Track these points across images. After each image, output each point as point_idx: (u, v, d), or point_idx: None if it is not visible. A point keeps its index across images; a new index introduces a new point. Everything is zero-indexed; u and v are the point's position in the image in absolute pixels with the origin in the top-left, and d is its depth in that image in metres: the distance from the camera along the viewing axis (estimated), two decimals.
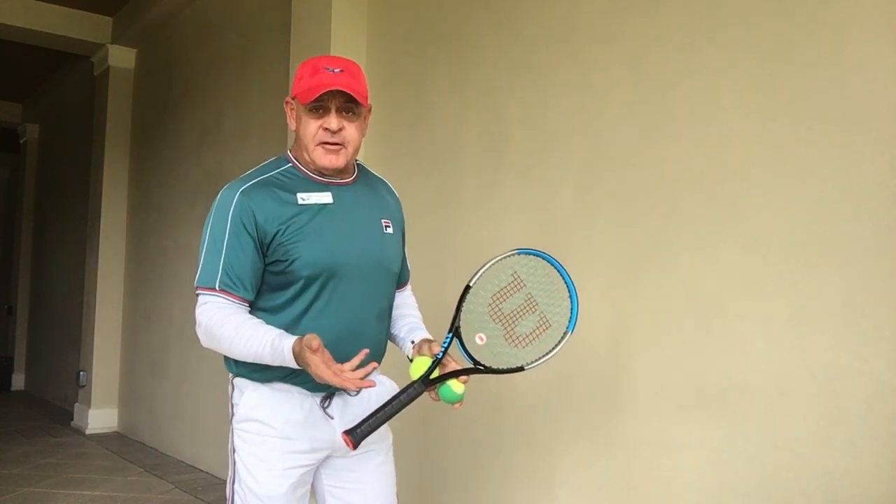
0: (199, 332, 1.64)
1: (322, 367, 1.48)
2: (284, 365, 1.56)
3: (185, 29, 5.66)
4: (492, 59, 2.95)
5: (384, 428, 1.84)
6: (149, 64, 6.42)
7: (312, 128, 1.65)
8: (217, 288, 1.61)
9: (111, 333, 6.52)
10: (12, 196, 10.72)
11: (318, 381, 1.51)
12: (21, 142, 9.73)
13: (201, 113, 5.32)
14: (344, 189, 1.73)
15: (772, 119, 2.02)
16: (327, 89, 1.60)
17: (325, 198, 1.69)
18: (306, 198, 1.66)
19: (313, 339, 1.47)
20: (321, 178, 1.71)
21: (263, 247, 1.63)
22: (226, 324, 1.59)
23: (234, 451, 1.74)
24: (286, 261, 1.62)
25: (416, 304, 1.97)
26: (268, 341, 1.55)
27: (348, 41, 3.53)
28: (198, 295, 1.64)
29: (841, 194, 1.87)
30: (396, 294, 1.88)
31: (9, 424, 6.72)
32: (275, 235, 1.62)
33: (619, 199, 2.43)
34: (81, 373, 6.57)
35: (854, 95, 1.86)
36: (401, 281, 1.90)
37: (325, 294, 1.65)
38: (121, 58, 6.59)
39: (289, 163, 1.74)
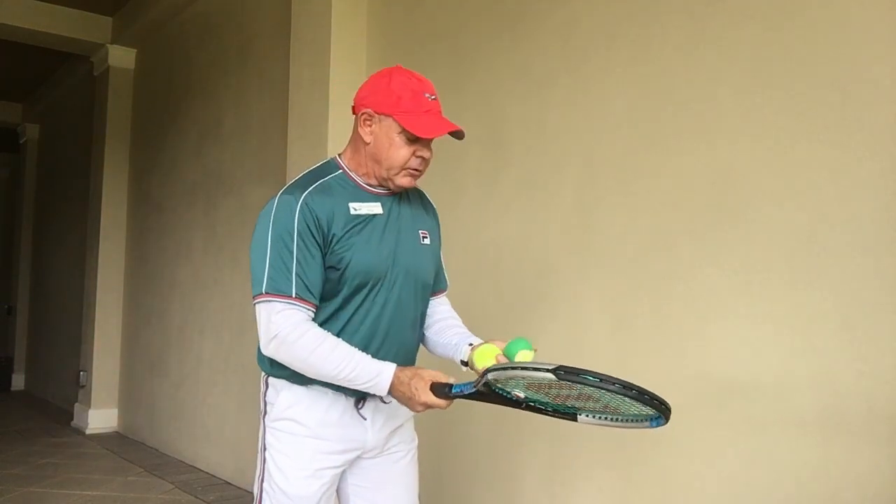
0: (274, 342, 1.59)
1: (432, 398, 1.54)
2: (368, 385, 1.59)
3: (185, 29, 5.66)
4: (492, 60, 2.95)
5: (412, 430, 1.87)
6: (149, 64, 6.42)
7: (404, 153, 1.65)
8: (294, 296, 1.58)
9: (111, 333, 6.52)
10: (12, 196, 10.72)
11: (414, 407, 1.57)
12: (21, 142, 9.72)
13: (201, 113, 5.32)
14: (391, 200, 1.74)
15: (771, 121, 2.02)
16: (447, 132, 1.64)
17: (376, 208, 1.70)
18: (358, 208, 1.67)
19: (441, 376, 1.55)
20: (371, 189, 1.72)
21: (325, 252, 1.63)
22: (322, 343, 1.58)
23: (264, 449, 1.74)
24: (339, 269, 1.63)
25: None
26: (366, 363, 1.59)
27: (348, 41, 3.53)
28: (265, 302, 1.59)
29: (841, 194, 1.87)
30: (434, 302, 1.89)
31: (9, 424, 6.72)
32: (331, 242, 1.62)
33: (619, 200, 2.43)
34: (81, 373, 6.57)
35: (854, 95, 1.86)
36: (436, 288, 1.90)
37: (368, 302, 1.67)
38: (121, 58, 6.59)
39: (339, 169, 1.73)
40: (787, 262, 1.97)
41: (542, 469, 2.63)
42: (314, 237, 1.60)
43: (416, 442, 1.89)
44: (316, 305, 1.63)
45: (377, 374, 1.58)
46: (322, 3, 3.54)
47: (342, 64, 3.49)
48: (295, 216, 1.60)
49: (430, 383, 1.54)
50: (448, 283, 1.96)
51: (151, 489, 4.47)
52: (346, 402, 1.71)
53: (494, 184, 2.90)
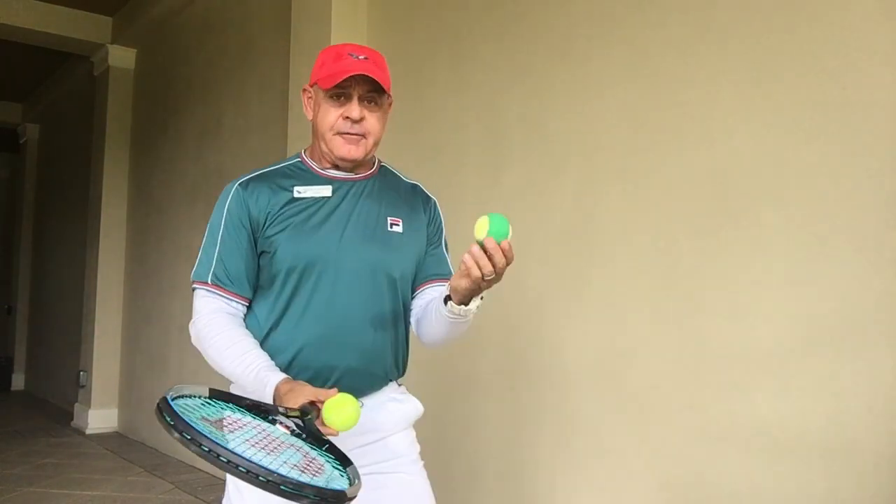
0: (192, 329, 1.56)
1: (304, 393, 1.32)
2: (261, 395, 1.41)
3: (185, 29, 5.66)
4: (492, 59, 2.95)
5: (406, 444, 1.63)
6: (149, 64, 6.42)
7: (332, 116, 1.54)
8: (209, 282, 1.53)
9: (111, 333, 6.52)
10: (12, 196, 10.72)
11: (288, 402, 1.34)
12: (21, 142, 9.73)
13: (201, 112, 5.32)
14: (348, 184, 1.61)
15: (771, 121, 2.02)
16: (352, 74, 1.49)
17: (324, 191, 1.58)
18: (303, 191, 1.57)
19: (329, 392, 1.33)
20: (325, 173, 1.61)
21: (255, 240, 1.56)
22: (220, 336, 1.50)
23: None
24: (270, 252, 1.53)
25: None
26: (253, 370, 1.44)
27: (348, 41, 3.53)
28: (193, 289, 1.57)
29: (841, 194, 1.87)
30: (430, 290, 1.65)
31: (9, 424, 6.72)
32: (264, 226, 1.54)
33: (619, 200, 2.43)
34: (81, 373, 6.57)
35: (854, 95, 1.86)
36: (428, 277, 1.67)
37: (305, 292, 1.52)
38: (121, 58, 6.59)
39: (298, 157, 1.65)
40: (787, 261, 1.97)
41: (546, 469, 2.63)
42: (242, 224, 1.54)
43: (417, 453, 1.65)
44: (239, 295, 1.55)
45: (263, 385, 1.41)
46: (322, 3, 3.54)
47: None
48: (227, 203, 1.57)
49: (301, 402, 1.31)
50: (452, 271, 1.70)
51: (151, 489, 4.47)
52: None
53: (494, 183, 2.90)
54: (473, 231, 1.34)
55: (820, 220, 1.91)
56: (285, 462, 1.18)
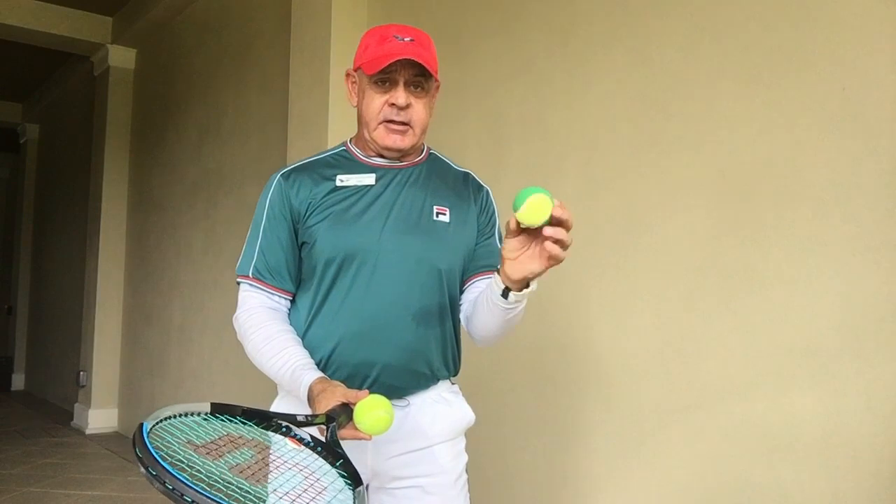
0: (235, 324, 1.53)
1: (335, 396, 1.27)
2: (297, 394, 1.39)
3: (185, 29, 5.66)
4: (492, 59, 2.95)
5: (449, 456, 1.53)
6: (149, 64, 6.42)
7: (377, 103, 1.47)
8: (251, 276, 1.50)
9: (111, 333, 6.53)
10: (12, 196, 10.72)
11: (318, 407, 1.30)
12: (21, 142, 9.73)
13: (201, 113, 5.32)
14: (393, 172, 1.54)
15: (771, 121, 2.02)
16: (397, 58, 1.41)
17: (367, 179, 1.51)
18: (346, 179, 1.51)
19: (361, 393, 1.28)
20: (369, 160, 1.54)
21: (296, 231, 1.51)
22: (258, 331, 1.47)
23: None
24: (310, 243, 1.48)
25: None
26: (289, 369, 1.41)
27: (348, 41, 3.53)
28: (238, 283, 1.55)
29: (841, 194, 1.87)
30: (480, 283, 1.55)
31: (9, 424, 6.72)
32: (305, 217, 1.49)
33: (619, 200, 2.43)
34: (81, 373, 6.58)
35: (854, 95, 1.86)
36: (471, 271, 1.57)
37: (343, 284, 1.46)
38: (121, 58, 6.59)
39: (343, 146, 1.60)
40: (786, 261, 1.97)
41: (549, 471, 2.63)
42: (283, 216, 1.50)
43: (462, 466, 1.56)
44: (280, 289, 1.51)
45: (298, 385, 1.37)
46: (322, 3, 3.54)
47: (342, 64, 3.49)
48: (269, 195, 1.53)
49: (332, 404, 1.26)
50: None
51: (151, 489, 4.46)
52: None
53: (494, 183, 2.89)
54: (520, 212, 1.26)
55: (820, 221, 1.91)
56: (274, 491, 1.12)
